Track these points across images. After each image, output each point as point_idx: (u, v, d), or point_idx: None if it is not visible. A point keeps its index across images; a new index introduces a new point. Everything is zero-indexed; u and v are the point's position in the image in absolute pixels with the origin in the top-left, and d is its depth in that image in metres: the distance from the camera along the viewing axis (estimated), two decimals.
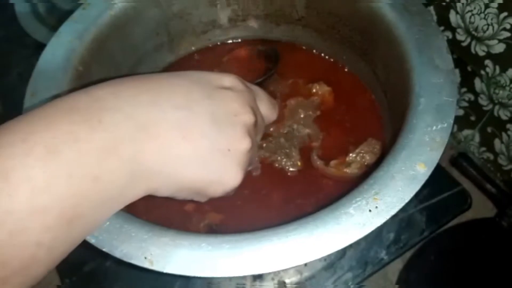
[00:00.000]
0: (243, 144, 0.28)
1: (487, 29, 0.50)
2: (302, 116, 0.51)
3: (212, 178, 0.27)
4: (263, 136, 0.50)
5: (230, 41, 0.61)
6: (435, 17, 0.56)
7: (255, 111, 0.30)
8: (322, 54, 0.58)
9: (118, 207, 0.26)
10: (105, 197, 0.23)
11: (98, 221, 0.25)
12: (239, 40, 0.61)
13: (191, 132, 0.25)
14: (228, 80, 0.29)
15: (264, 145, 0.49)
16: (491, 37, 0.50)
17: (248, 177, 0.48)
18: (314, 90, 0.53)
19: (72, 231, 0.23)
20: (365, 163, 0.46)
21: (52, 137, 0.22)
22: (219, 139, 0.26)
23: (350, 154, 0.46)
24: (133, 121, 0.24)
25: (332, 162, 0.47)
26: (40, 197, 0.21)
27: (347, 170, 0.46)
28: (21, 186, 0.20)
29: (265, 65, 0.57)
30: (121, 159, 0.23)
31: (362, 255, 0.48)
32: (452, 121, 0.35)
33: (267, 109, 0.34)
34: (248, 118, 0.28)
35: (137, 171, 0.24)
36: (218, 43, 0.61)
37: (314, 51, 0.59)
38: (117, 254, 0.30)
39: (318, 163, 0.47)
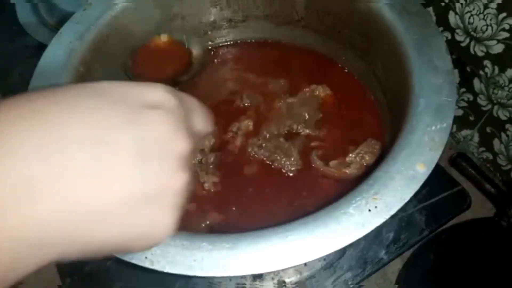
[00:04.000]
0: (177, 181, 0.20)
1: (486, 29, 0.50)
2: (302, 116, 0.52)
3: (135, 235, 0.20)
4: (263, 136, 0.50)
5: (230, 42, 0.62)
6: (434, 18, 0.56)
7: (190, 134, 0.22)
8: (322, 55, 0.59)
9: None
10: None
11: None
12: (239, 41, 0.62)
13: (106, 177, 0.18)
14: (157, 94, 0.21)
15: (264, 145, 0.49)
16: (490, 38, 0.50)
17: (248, 177, 0.48)
18: (316, 93, 0.53)
19: None
20: (365, 164, 0.46)
21: None
22: (144, 180, 0.19)
23: (350, 155, 0.47)
24: (16, 173, 0.16)
25: (332, 163, 0.47)
26: None
27: (347, 170, 0.46)
28: None
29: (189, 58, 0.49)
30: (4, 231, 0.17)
31: (361, 254, 0.48)
32: (451, 121, 0.35)
33: (202, 122, 0.25)
34: (183, 145, 0.21)
35: (23, 244, 0.17)
36: (219, 44, 0.61)
37: (314, 51, 0.59)
38: (118, 254, 0.30)
39: (318, 163, 0.47)
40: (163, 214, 0.21)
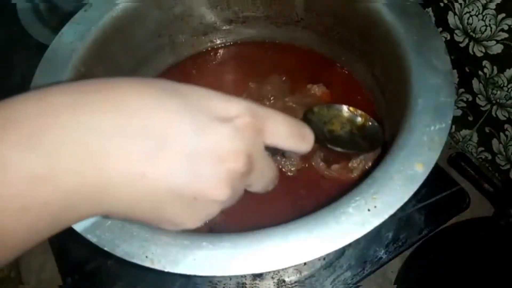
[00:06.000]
0: (219, 193, 0.22)
1: (485, 30, 0.50)
2: (301, 117, 0.52)
3: (164, 220, 0.23)
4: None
5: (230, 43, 0.62)
6: (433, 19, 0.56)
7: (251, 158, 0.23)
8: (321, 55, 0.59)
9: (51, 233, 0.21)
10: (32, 227, 0.20)
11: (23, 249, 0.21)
12: (239, 42, 0.62)
13: (153, 170, 0.20)
14: (237, 109, 0.22)
15: None
16: (489, 38, 0.50)
17: None
18: (312, 92, 0.53)
19: None
20: (367, 168, 0.46)
21: None
22: (188, 178, 0.21)
23: (353, 160, 0.46)
24: (84, 146, 0.19)
25: (334, 167, 0.47)
26: None
27: (349, 174, 0.46)
28: None
29: None
30: (59, 189, 0.19)
31: (361, 254, 0.49)
32: (450, 122, 0.35)
33: (289, 141, 0.25)
34: (237, 166, 0.22)
35: (77, 200, 0.20)
36: (219, 45, 0.62)
37: (313, 52, 0.59)
38: (119, 253, 0.31)
39: (321, 165, 0.47)
40: (193, 217, 0.23)
